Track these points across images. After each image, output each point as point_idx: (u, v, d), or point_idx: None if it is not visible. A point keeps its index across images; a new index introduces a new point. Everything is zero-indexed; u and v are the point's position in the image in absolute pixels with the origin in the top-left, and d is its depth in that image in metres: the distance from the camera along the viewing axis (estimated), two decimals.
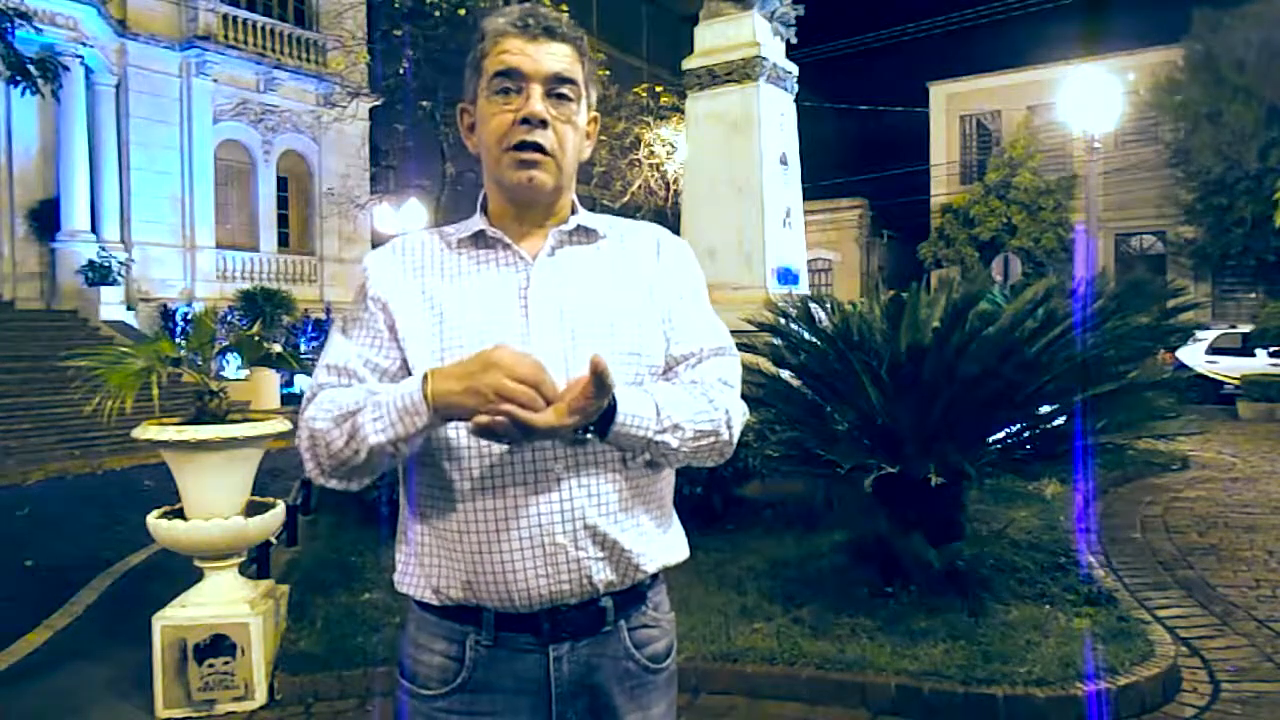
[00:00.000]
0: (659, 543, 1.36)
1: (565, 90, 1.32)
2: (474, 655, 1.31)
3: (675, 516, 1.44)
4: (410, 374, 1.29)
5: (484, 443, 1.23)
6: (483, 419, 1.12)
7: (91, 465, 10.39)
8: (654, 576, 1.38)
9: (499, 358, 1.13)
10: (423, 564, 1.33)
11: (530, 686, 1.30)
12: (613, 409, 1.18)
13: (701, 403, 1.29)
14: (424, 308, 1.32)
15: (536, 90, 1.30)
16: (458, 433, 1.26)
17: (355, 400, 1.23)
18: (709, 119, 7.56)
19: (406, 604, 1.39)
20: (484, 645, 1.30)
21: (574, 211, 1.40)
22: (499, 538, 1.25)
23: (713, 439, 1.31)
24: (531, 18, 1.32)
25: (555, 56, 1.32)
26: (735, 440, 1.35)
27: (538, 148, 1.30)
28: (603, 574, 1.28)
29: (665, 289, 1.39)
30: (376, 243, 19.30)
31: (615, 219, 1.47)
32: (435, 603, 1.32)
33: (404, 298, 1.33)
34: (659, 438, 1.24)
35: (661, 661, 1.39)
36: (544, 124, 1.30)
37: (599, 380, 1.12)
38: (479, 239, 1.37)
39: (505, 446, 1.23)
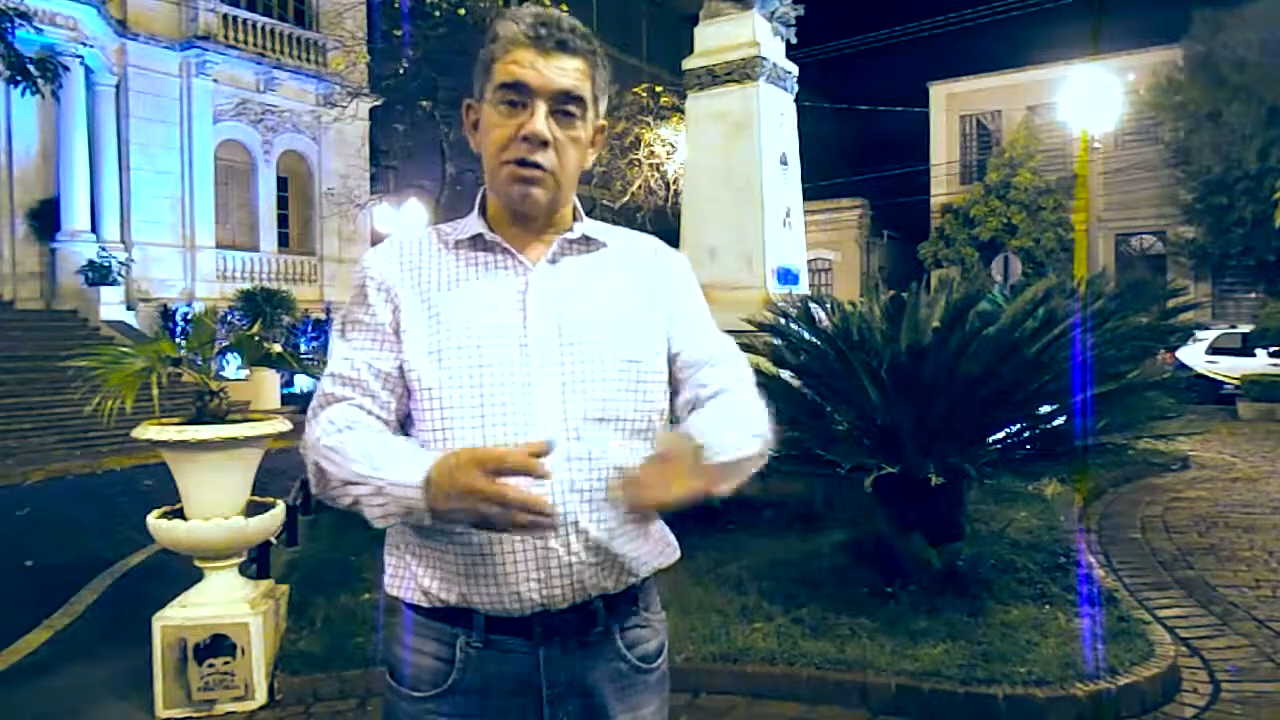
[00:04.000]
0: (652, 543, 1.35)
1: (571, 108, 1.29)
2: (464, 657, 1.30)
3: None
4: (404, 376, 1.29)
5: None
6: (518, 524, 1.10)
7: (91, 465, 10.38)
8: (645, 578, 1.37)
9: (467, 484, 1.07)
10: (412, 568, 1.32)
11: (521, 688, 1.30)
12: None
13: (746, 427, 1.32)
14: (420, 307, 1.30)
15: (541, 109, 1.27)
16: (446, 442, 1.26)
17: (356, 471, 1.19)
18: (709, 119, 7.55)
19: (397, 605, 1.38)
20: (474, 647, 1.30)
21: (577, 219, 1.39)
22: (492, 544, 1.24)
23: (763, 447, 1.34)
24: (545, 27, 1.27)
25: (565, 72, 1.27)
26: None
27: (536, 166, 1.27)
28: (596, 579, 1.28)
29: (665, 299, 1.39)
30: (376, 243, 19.30)
31: (614, 228, 1.45)
32: (425, 604, 1.31)
33: (404, 294, 1.32)
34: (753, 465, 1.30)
35: (652, 662, 1.38)
36: (545, 144, 1.27)
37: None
38: (478, 242, 1.35)
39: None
